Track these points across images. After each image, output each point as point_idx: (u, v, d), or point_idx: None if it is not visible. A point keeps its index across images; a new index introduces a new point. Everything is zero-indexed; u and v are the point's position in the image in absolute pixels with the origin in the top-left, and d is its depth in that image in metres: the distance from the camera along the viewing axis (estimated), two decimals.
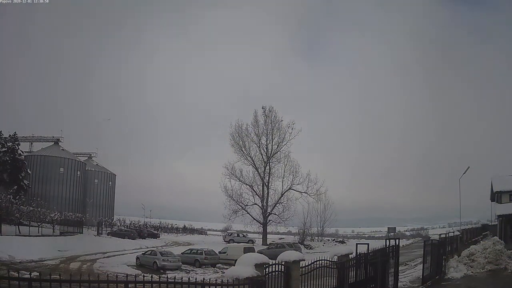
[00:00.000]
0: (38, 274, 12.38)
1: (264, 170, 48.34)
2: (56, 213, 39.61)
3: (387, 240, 13.90)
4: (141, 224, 62.62)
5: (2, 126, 57.99)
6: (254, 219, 48.06)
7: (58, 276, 5.17)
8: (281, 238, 51.78)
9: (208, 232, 76.59)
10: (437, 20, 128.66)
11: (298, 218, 51.02)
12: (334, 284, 10.94)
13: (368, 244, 13.17)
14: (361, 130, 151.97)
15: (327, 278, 10.65)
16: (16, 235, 31.03)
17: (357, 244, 13.35)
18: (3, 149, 43.07)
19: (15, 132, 45.98)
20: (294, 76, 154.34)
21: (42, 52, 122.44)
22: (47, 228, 36.82)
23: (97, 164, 64.53)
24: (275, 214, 47.93)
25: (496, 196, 32.37)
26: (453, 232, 27.39)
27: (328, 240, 57.08)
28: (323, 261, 10.60)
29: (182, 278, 6.72)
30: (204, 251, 28.27)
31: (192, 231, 73.81)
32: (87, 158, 64.59)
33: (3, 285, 4.91)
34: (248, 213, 47.98)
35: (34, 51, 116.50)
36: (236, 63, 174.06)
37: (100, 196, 62.13)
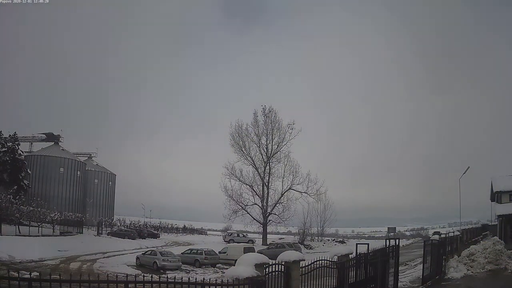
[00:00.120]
0: (38, 274, 12.38)
1: (264, 170, 48.33)
2: (56, 213, 39.56)
3: (387, 240, 13.90)
4: (141, 224, 62.62)
5: (2, 126, 58.22)
6: (254, 219, 48.06)
7: (58, 276, 5.17)
8: (281, 238, 51.78)
9: (208, 232, 76.58)
10: (437, 20, 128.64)
11: (298, 218, 51.06)
12: (334, 284, 10.93)
13: (368, 244, 13.17)
14: (361, 130, 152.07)
15: (327, 278, 10.65)
16: (16, 235, 31.04)
17: (357, 244, 13.36)
18: (3, 149, 43.06)
19: (15, 132, 46.01)
20: (295, 76, 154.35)
21: (42, 52, 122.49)
22: (47, 228, 36.80)
23: (97, 164, 64.52)
24: (275, 214, 47.92)
25: (496, 196, 32.37)
26: (453, 232, 27.38)
27: (328, 240, 57.06)
28: (323, 261, 10.59)
29: (182, 278, 6.71)
30: (204, 251, 28.27)
31: (192, 231, 73.79)
32: (87, 158, 64.59)
33: (3, 285, 4.91)
34: (248, 213, 47.97)
35: (34, 51, 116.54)
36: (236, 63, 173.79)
37: (100, 196, 62.12)
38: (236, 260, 8.99)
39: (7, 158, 42.94)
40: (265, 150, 48.47)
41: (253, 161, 48.28)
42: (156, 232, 56.11)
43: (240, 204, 47.67)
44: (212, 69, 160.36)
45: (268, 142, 48.49)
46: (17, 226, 33.01)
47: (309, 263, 10.11)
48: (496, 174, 34.91)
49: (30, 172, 48.22)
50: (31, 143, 61.58)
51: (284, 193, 47.86)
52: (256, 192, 48.15)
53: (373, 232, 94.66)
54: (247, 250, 27.70)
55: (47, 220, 37.82)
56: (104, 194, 63.36)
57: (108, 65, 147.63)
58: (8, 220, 33.27)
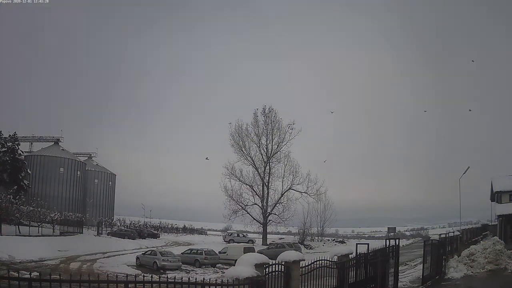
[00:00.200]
0: (38, 274, 12.37)
1: (264, 170, 48.35)
2: (56, 213, 39.59)
3: (387, 240, 13.90)
4: (141, 224, 62.53)
5: (2, 126, 58.20)
6: (254, 219, 48.07)
7: (58, 276, 5.17)
8: (281, 238, 51.75)
9: (208, 232, 76.47)
10: (437, 20, 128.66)
11: (298, 218, 51.03)
12: (334, 284, 10.93)
13: (368, 244, 13.16)
14: (361, 130, 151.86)
15: (327, 278, 10.65)
16: (16, 235, 31.05)
17: (357, 244, 13.35)
18: (3, 149, 43.08)
19: (15, 132, 46.07)
20: (294, 76, 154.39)
21: (42, 52, 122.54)
22: (47, 228, 36.81)
23: (97, 164, 64.52)
24: (275, 214, 47.93)
25: (496, 196, 32.39)
26: (453, 232, 27.37)
27: (328, 240, 57.01)
28: (323, 261, 10.59)
29: (182, 278, 6.71)
30: (204, 251, 28.29)
31: (192, 231, 73.67)
32: (87, 158, 64.60)
33: (3, 285, 4.90)
34: (248, 213, 47.98)
35: (34, 51, 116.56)
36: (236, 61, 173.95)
37: (100, 196, 62.11)
38: (236, 260, 9.00)
39: (7, 158, 42.96)
40: (265, 150, 48.55)
41: (253, 161, 48.35)
42: (156, 232, 56.01)
43: (240, 204, 47.71)
44: (212, 69, 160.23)
45: (268, 142, 48.59)
46: (17, 226, 33.02)
47: (309, 263, 10.11)
48: (496, 174, 35.01)
49: (30, 172, 48.24)
50: (31, 143, 61.62)
51: (284, 193, 47.96)
52: (256, 192, 48.21)
53: (373, 232, 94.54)
54: (247, 250, 27.70)
55: (47, 220, 37.85)
56: (104, 194, 63.37)
57: (108, 65, 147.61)
58: (8, 220, 33.27)
